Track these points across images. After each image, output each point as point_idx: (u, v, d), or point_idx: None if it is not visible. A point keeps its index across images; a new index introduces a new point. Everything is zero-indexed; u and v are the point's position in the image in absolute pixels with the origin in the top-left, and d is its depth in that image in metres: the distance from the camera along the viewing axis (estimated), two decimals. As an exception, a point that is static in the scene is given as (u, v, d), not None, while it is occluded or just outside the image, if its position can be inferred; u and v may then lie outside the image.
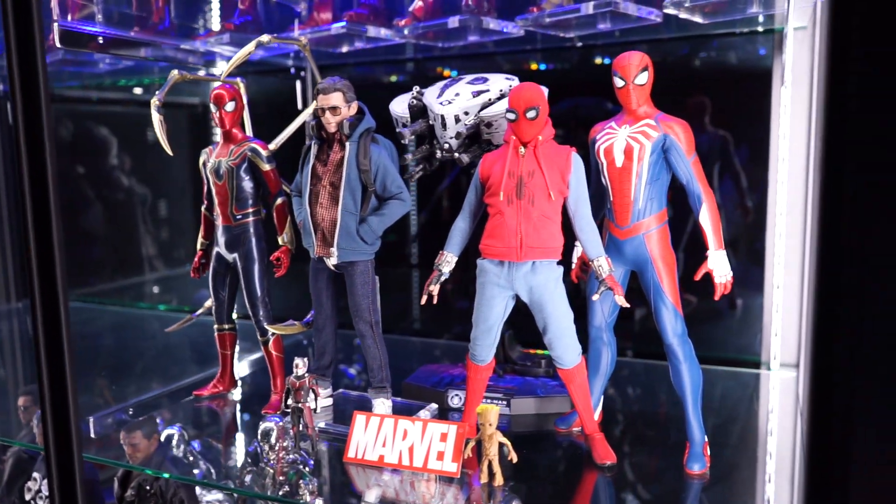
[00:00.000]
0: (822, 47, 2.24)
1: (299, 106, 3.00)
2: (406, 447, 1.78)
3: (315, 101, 2.19)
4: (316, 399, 1.87)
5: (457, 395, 2.18)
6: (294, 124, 2.23)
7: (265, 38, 2.05)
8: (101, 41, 2.22)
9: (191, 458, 1.96)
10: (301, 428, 1.87)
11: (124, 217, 3.97)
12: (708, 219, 1.73)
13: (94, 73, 3.41)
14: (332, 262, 1.92)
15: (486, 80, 2.05)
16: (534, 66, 2.96)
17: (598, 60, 2.81)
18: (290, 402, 1.87)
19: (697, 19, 2.20)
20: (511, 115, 1.72)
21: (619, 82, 1.75)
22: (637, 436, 2.00)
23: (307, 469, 1.78)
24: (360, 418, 1.85)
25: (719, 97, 2.56)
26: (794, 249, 2.44)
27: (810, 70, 2.34)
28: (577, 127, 2.87)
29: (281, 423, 1.80)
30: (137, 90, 3.79)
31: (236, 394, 2.36)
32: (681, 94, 2.59)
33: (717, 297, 1.73)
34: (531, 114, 1.70)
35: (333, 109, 1.88)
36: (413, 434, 1.79)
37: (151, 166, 3.93)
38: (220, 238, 2.17)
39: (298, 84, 3.01)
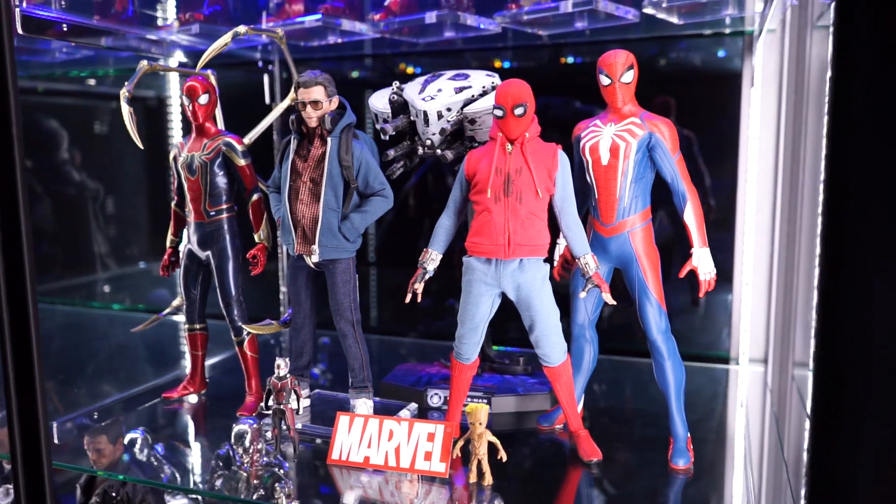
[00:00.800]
0: (791, 49, 2.29)
1: (267, 100, 2.93)
2: (392, 448, 1.75)
3: (292, 95, 2.14)
4: (298, 400, 1.82)
5: (436, 393, 2.16)
6: (268, 119, 2.17)
7: (241, 29, 1.99)
8: (64, 28, 2.12)
9: (155, 463, 1.89)
10: (283, 429, 1.82)
11: (75, 213, 3.82)
12: (692, 217, 1.75)
13: (44, 62, 3.27)
14: (314, 259, 1.88)
15: (467, 76, 2.03)
16: (497, 64, 2.96)
17: (567, 60, 2.83)
18: (270, 403, 1.83)
19: (673, 20, 2.22)
20: (499, 112, 1.71)
21: (605, 80, 1.75)
22: (616, 433, 2.01)
23: (282, 471, 1.73)
24: (343, 419, 1.81)
25: (687, 97, 2.61)
26: (763, 246, 2.49)
27: (779, 72, 2.40)
28: (546, 125, 2.89)
29: (256, 426, 1.75)
30: (91, 81, 3.66)
31: (206, 396, 2.29)
32: (648, 94, 2.62)
33: (701, 294, 1.76)
34: (519, 110, 1.69)
35: (315, 104, 1.84)
36: (399, 434, 1.76)
37: (104, 160, 3.79)
38: (193, 235, 2.10)
39: (266, 78, 2.94)
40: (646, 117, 1.77)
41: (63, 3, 2.11)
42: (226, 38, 1.98)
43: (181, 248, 2.17)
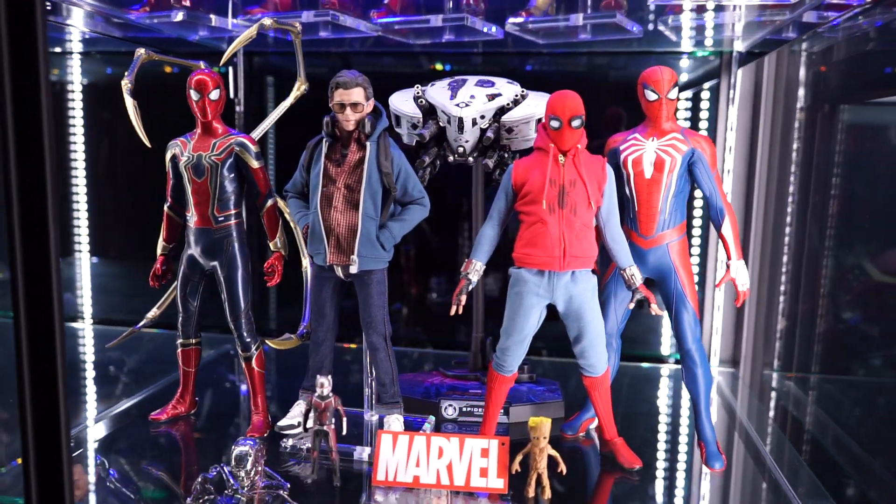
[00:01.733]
0: (769, 70, 2.45)
1: (231, 94, 2.74)
2: (444, 465, 1.70)
3: (297, 92, 2.02)
4: (342, 421, 1.72)
5: (450, 405, 2.11)
6: (273, 116, 2.03)
7: (267, 21, 1.85)
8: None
9: (134, 491, 1.72)
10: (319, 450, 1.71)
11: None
12: (730, 230, 1.82)
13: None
14: (352, 269, 1.78)
15: (493, 83, 2.00)
16: (439, 67, 2.93)
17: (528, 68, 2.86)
18: (310, 423, 1.71)
19: (672, 37, 2.31)
20: (555, 123, 1.70)
21: (651, 95, 1.79)
22: (636, 438, 2.06)
23: (285, 492, 1.63)
24: (385, 438, 1.73)
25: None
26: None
27: (753, 89, 2.55)
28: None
29: (257, 446, 1.64)
30: None
31: (198, 416, 2.11)
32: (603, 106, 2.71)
33: (738, 304, 1.83)
34: (576, 122, 1.69)
35: (355, 106, 1.74)
36: (450, 451, 1.71)
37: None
38: (196, 243, 1.92)
39: (231, 72, 2.75)
40: (686, 133, 1.82)
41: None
42: (251, 31, 1.83)
43: (182, 255, 1.98)
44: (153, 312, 2.19)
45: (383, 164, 1.77)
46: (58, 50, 3.03)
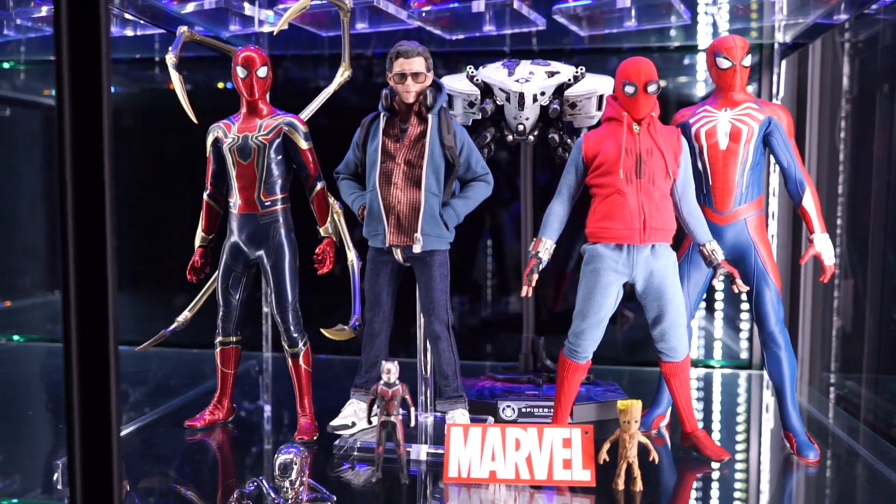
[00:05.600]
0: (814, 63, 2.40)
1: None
2: (522, 458, 1.55)
3: (344, 73, 1.93)
4: (410, 411, 1.57)
5: (509, 405, 1.97)
6: (320, 98, 1.93)
7: (318, -8, 1.77)
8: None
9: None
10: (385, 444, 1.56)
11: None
12: (812, 203, 1.73)
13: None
14: (416, 249, 1.65)
15: (549, 63, 1.92)
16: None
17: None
18: (375, 413, 1.56)
19: (724, 24, 2.26)
20: (630, 89, 1.61)
21: (724, 63, 1.71)
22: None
23: None
24: (456, 431, 1.58)
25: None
26: (782, 257, 2.55)
27: (796, 81, 2.50)
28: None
29: (302, 454, 1.48)
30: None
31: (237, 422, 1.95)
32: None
33: (825, 279, 1.73)
34: (652, 87, 1.61)
35: (416, 76, 1.64)
36: (528, 443, 1.56)
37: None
38: (240, 231, 1.80)
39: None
40: (761, 102, 1.74)
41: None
42: (305, 2, 1.74)
43: (224, 244, 1.85)
44: (185, 315, 2.04)
45: (446, 137, 1.66)
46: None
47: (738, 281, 1.66)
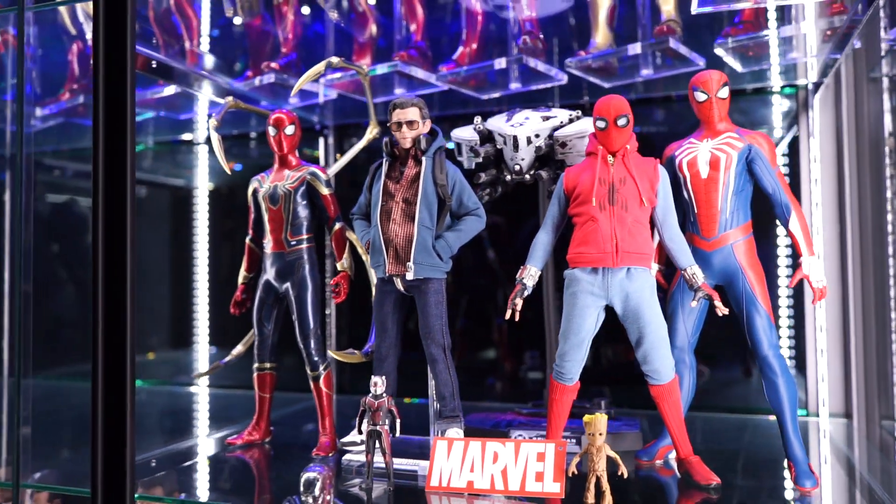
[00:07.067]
0: (848, 101, 2.38)
1: (322, 160, 2.96)
2: (498, 471, 1.63)
3: (373, 130, 2.17)
4: (395, 422, 1.71)
5: (520, 434, 2.04)
6: (351, 152, 2.18)
7: (334, 59, 2.04)
8: (153, 64, 2.16)
9: None
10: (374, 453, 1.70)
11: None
12: (798, 226, 1.73)
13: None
14: (409, 276, 1.82)
15: (550, 108, 2.07)
16: None
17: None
18: (364, 424, 1.71)
19: (737, 65, 2.31)
20: (601, 124, 1.73)
21: (700, 96, 1.79)
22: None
23: None
24: (441, 444, 1.70)
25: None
26: (833, 297, 2.47)
27: (835, 124, 2.47)
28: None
29: (325, 472, 1.63)
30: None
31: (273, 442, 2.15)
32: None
33: (814, 303, 1.71)
34: (622, 121, 1.71)
35: (410, 124, 1.85)
36: (505, 456, 1.64)
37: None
38: (271, 267, 2.05)
39: (321, 141, 2.99)
40: (742, 132, 1.79)
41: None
42: (319, 67, 2.03)
43: (259, 280, 2.11)
44: (239, 349, 2.30)
45: (438, 176, 1.85)
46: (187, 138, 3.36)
47: (718, 303, 1.68)
